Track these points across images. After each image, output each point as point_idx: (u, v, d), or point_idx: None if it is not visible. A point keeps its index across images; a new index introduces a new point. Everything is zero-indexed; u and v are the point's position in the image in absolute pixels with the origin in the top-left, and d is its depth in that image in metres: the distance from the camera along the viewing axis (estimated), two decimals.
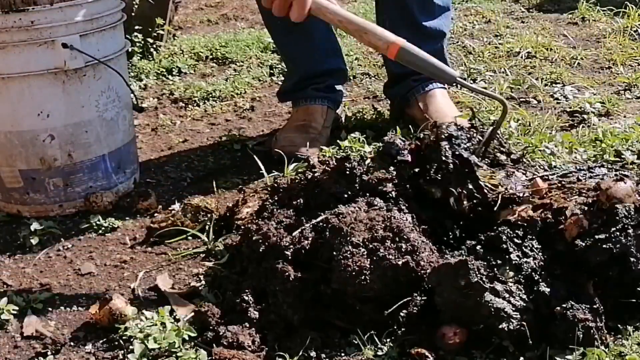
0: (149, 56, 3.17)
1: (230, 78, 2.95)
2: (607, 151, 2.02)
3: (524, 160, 1.74)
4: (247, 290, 1.46)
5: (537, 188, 1.54)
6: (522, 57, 2.96)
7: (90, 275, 1.72)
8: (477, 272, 1.33)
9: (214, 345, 1.38)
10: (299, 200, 1.60)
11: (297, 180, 1.69)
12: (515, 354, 1.31)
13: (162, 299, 1.58)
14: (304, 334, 1.39)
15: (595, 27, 3.33)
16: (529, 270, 1.36)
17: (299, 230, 1.50)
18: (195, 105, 2.73)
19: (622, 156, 1.99)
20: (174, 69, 3.08)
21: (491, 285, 1.33)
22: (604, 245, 1.35)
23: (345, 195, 1.56)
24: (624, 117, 2.34)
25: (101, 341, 1.47)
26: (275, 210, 1.61)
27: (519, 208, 1.50)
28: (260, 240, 1.51)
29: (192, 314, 1.48)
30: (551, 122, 2.27)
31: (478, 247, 1.40)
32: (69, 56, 1.81)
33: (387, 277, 1.39)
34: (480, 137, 1.65)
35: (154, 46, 3.20)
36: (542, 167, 1.82)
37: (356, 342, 1.36)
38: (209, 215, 1.84)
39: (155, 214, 1.94)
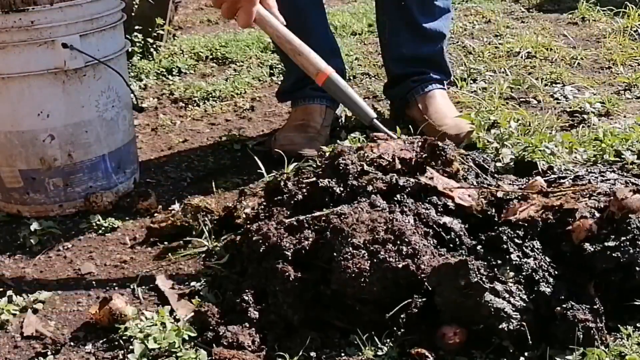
0: (149, 56, 3.17)
1: (230, 78, 2.95)
2: (607, 151, 2.01)
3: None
4: (247, 290, 1.46)
5: (534, 187, 1.54)
6: (522, 57, 2.96)
7: (90, 275, 1.72)
8: (477, 272, 1.33)
9: (214, 345, 1.38)
10: (297, 199, 1.60)
11: (295, 180, 1.69)
12: (515, 354, 1.31)
13: (162, 299, 1.58)
14: (304, 334, 1.39)
15: (595, 27, 3.33)
16: (530, 270, 1.36)
17: (299, 230, 1.50)
18: (195, 105, 2.73)
19: (622, 156, 1.99)
20: (174, 69, 3.08)
21: (491, 285, 1.33)
22: (613, 254, 1.35)
23: (338, 192, 1.57)
24: (624, 117, 2.34)
25: (101, 341, 1.47)
26: (275, 210, 1.61)
27: (521, 208, 1.50)
28: (260, 240, 1.51)
29: (192, 314, 1.48)
30: (551, 122, 2.27)
31: (478, 247, 1.40)
32: (69, 56, 1.81)
33: (387, 279, 1.39)
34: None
35: (154, 46, 3.20)
36: (557, 169, 1.84)
37: (356, 342, 1.36)
38: (209, 215, 1.84)
39: (155, 214, 1.94)
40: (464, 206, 1.56)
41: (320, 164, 1.71)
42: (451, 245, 1.50)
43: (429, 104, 2.27)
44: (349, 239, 1.42)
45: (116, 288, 1.65)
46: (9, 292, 1.64)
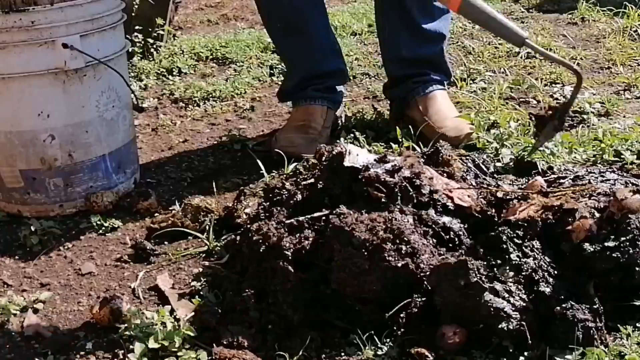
0: (149, 56, 3.17)
1: (230, 78, 2.95)
2: (607, 151, 2.02)
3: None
4: (247, 290, 1.46)
5: (534, 187, 1.54)
6: (522, 57, 2.96)
7: (90, 275, 1.72)
8: (476, 272, 1.33)
9: (214, 345, 1.38)
10: (297, 198, 1.60)
11: (294, 180, 1.69)
12: (515, 354, 1.31)
13: (162, 299, 1.59)
14: (304, 334, 1.39)
15: (595, 27, 3.33)
16: (529, 270, 1.36)
17: (299, 230, 1.50)
18: (195, 105, 2.73)
19: (622, 156, 1.99)
20: (174, 69, 3.08)
21: (491, 285, 1.33)
22: (613, 254, 1.36)
23: (338, 193, 1.57)
24: (624, 117, 2.34)
25: (101, 341, 1.47)
26: (275, 210, 1.61)
27: (520, 208, 1.50)
28: (260, 240, 1.51)
29: (192, 314, 1.48)
30: None
31: (478, 247, 1.41)
32: (69, 56, 1.81)
33: (387, 279, 1.39)
34: None
35: (154, 46, 3.20)
36: (556, 169, 1.84)
37: (356, 342, 1.36)
38: (209, 215, 1.84)
39: (155, 214, 1.94)
40: (464, 206, 1.56)
41: (319, 165, 1.71)
42: (450, 245, 1.50)
43: (429, 105, 2.27)
44: (349, 239, 1.42)
45: (116, 288, 1.66)
46: (9, 292, 1.65)
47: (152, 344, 1.38)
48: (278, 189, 1.69)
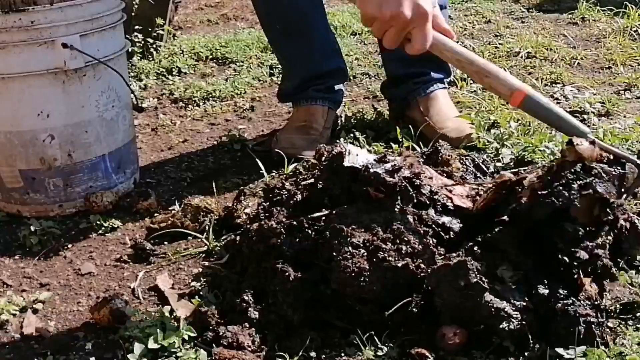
0: (149, 56, 3.17)
1: (230, 78, 2.95)
2: None
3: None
4: (247, 290, 1.46)
5: (503, 179, 1.55)
6: (522, 57, 2.96)
7: (90, 275, 1.72)
8: (476, 273, 1.33)
9: (214, 345, 1.38)
10: (297, 198, 1.60)
11: (294, 180, 1.69)
12: (515, 354, 1.31)
13: (162, 299, 1.58)
14: (304, 334, 1.39)
15: (595, 27, 3.33)
16: (528, 270, 1.36)
17: (299, 230, 1.50)
18: (195, 105, 2.73)
19: None
20: (174, 69, 3.08)
21: (491, 285, 1.33)
22: (547, 200, 1.35)
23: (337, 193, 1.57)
24: (624, 117, 2.34)
25: (101, 341, 1.47)
26: (275, 210, 1.61)
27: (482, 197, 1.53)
28: (260, 241, 1.51)
29: (192, 314, 1.48)
30: None
31: (476, 248, 1.40)
32: (69, 56, 1.81)
33: (387, 279, 1.39)
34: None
35: (154, 46, 3.20)
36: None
37: (356, 342, 1.36)
38: (208, 215, 1.84)
39: (155, 214, 1.94)
40: (462, 207, 1.56)
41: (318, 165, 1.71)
42: (450, 245, 1.50)
43: (430, 106, 2.26)
44: (348, 239, 1.42)
45: (116, 288, 1.66)
46: (9, 292, 1.65)
47: (151, 344, 1.37)
48: (278, 189, 1.69)
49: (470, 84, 2.68)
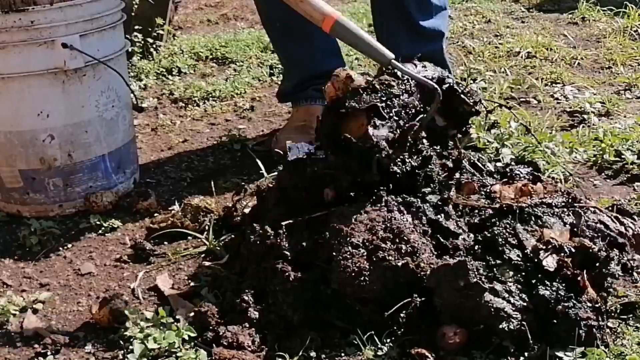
0: (149, 56, 3.17)
1: (230, 78, 2.95)
2: (607, 151, 2.02)
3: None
4: (247, 290, 1.46)
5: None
6: (522, 57, 2.96)
7: (90, 275, 1.72)
8: (476, 273, 1.33)
9: (214, 345, 1.38)
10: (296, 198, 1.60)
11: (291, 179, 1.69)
12: (515, 354, 1.31)
13: (162, 299, 1.58)
14: (304, 334, 1.39)
15: (595, 27, 3.33)
16: (528, 269, 1.36)
17: (299, 230, 1.50)
18: (195, 105, 2.73)
19: (622, 156, 1.99)
20: (174, 69, 3.08)
21: (490, 286, 1.33)
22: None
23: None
24: (624, 117, 2.34)
25: (101, 341, 1.47)
26: (274, 210, 1.61)
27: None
28: (260, 241, 1.51)
29: (192, 314, 1.48)
30: (551, 122, 2.27)
31: (476, 247, 1.40)
32: (68, 56, 1.81)
33: (387, 278, 1.39)
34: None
35: (154, 46, 3.20)
36: None
37: (356, 342, 1.36)
38: (208, 215, 1.84)
39: (155, 214, 1.94)
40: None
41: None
42: (450, 246, 1.50)
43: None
44: (348, 238, 1.42)
45: (116, 288, 1.65)
46: (9, 292, 1.65)
47: (151, 345, 1.37)
48: (266, 190, 1.69)
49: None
